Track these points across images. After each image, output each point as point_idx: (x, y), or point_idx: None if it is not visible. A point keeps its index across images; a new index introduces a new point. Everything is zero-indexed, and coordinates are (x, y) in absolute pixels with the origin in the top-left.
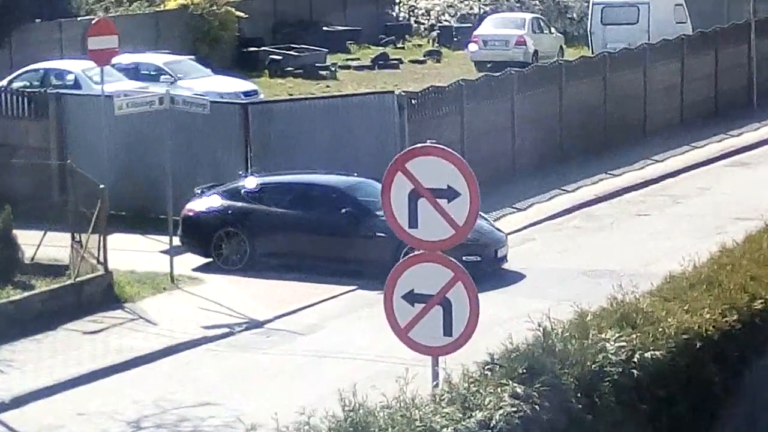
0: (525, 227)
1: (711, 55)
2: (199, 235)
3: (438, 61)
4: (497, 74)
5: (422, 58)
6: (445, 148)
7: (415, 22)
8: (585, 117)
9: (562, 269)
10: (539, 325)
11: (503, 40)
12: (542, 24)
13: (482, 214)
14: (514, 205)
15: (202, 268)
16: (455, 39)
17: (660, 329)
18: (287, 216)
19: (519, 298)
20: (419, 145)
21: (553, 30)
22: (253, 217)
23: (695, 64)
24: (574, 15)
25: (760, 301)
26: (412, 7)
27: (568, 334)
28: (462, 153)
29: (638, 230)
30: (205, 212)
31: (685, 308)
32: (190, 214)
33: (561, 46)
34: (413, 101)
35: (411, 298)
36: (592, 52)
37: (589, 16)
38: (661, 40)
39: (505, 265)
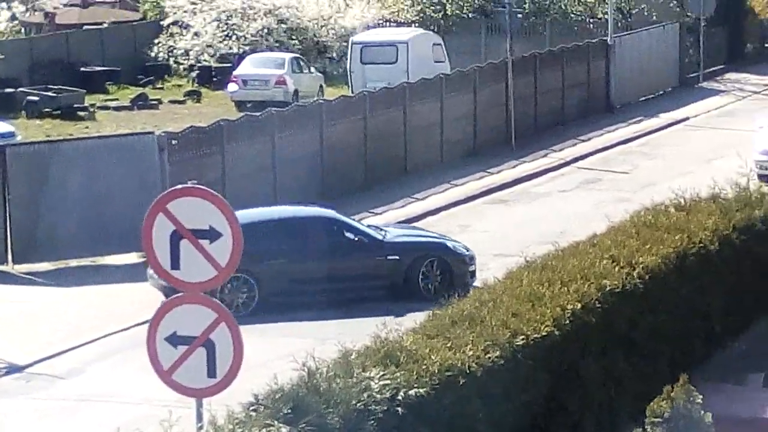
0: None
1: (470, 95)
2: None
3: (198, 101)
4: (258, 114)
5: (182, 98)
6: (207, 188)
7: (174, 62)
8: (346, 156)
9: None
10: (303, 365)
11: (263, 79)
12: (302, 63)
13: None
14: None
15: None
16: (215, 79)
17: (423, 367)
18: (293, 252)
19: (282, 338)
20: (180, 186)
21: (312, 69)
22: (257, 257)
23: (454, 103)
24: (334, 54)
25: (521, 337)
26: (171, 47)
27: (332, 373)
28: (223, 193)
29: None
30: None
31: (448, 345)
32: None
33: (321, 86)
34: (174, 142)
35: (174, 340)
36: (352, 92)
37: (349, 56)
38: (420, 80)
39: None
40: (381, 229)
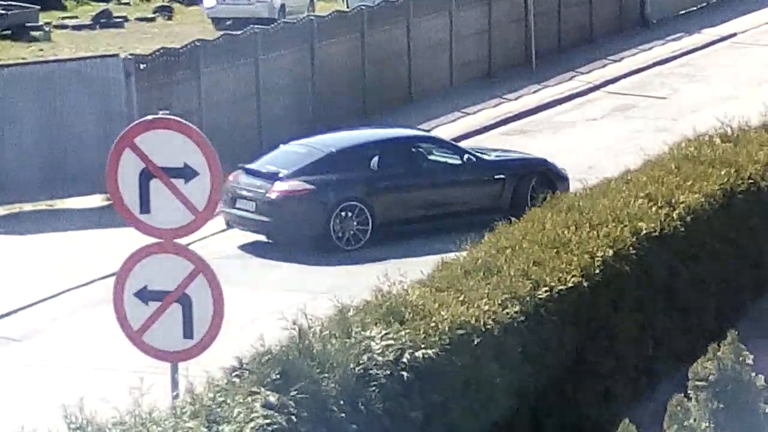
0: None
1: (484, 8)
2: (312, 217)
3: (169, 19)
4: (238, 33)
5: (151, 15)
6: (180, 119)
7: None
8: (341, 81)
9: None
10: (294, 323)
11: None
12: None
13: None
14: None
15: None
16: None
17: (432, 324)
18: (405, 177)
19: (269, 291)
20: (150, 117)
21: None
22: (371, 185)
23: (466, 18)
24: None
25: (544, 289)
26: None
27: (327, 332)
28: (200, 125)
29: None
30: (317, 190)
31: (461, 299)
32: (293, 193)
33: (311, 0)
34: (142, 66)
35: (145, 295)
36: (348, 6)
37: None
38: None
39: (247, 256)
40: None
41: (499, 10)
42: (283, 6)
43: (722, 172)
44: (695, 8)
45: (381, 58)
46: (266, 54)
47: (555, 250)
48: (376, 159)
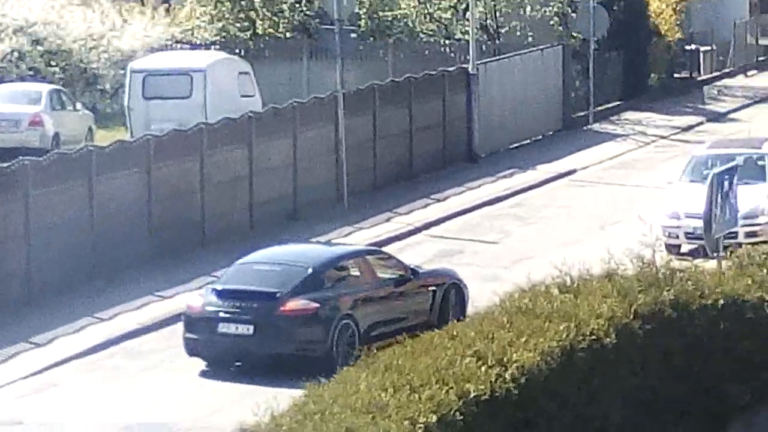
0: (46, 368)
1: (288, 139)
2: (319, 335)
3: None
4: (5, 165)
5: None
6: None
7: None
8: (125, 220)
9: (95, 425)
10: None
11: (12, 119)
12: (64, 98)
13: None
14: (30, 340)
15: None
16: None
17: None
18: (372, 290)
19: None
20: None
21: (79, 105)
22: (354, 298)
23: (268, 150)
24: (107, 86)
25: None
26: None
27: None
28: None
29: (195, 370)
30: (321, 308)
31: None
32: (303, 311)
33: (90, 127)
34: None
35: None
36: (132, 135)
37: (127, 88)
38: (222, 119)
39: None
40: None
41: (305, 141)
42: (57, 134)
43: (561, 327)
44: (529, 141)
45: (171, 195)
46: (37, 189)
47: (371, 416)
48: (355, 272)
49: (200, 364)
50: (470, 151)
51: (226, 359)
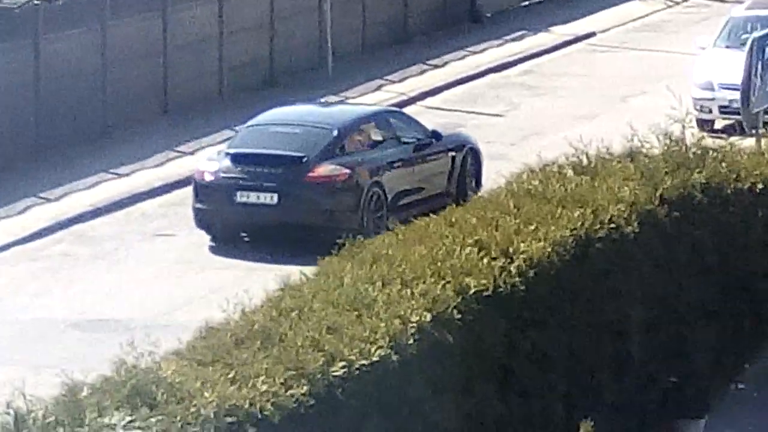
0: None
1: None
2: (349, 203)
3: None
4: None
5: None
6: None
7: None
8: (75, 88)
9: (41, 320)
10: (8, 406)
11: None
12: None
13: None
14: None
15: None
16: None
17: (192, 409)
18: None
19: None
20: None
21: None
22: (380, 164)
23: (240, 6)
24: None
25: (341, 364)
26: None
27: (53, 418)
28: None
29: (156, 259)
30: (351, 174)
31: (231, 376)
32: (334, 178)
33: None
34: None
35: None
36: None
37: None
38: None
39: None
40: None
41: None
42: None
43: (575, 214)
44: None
45: (129, 58)
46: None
47: (356, 313)
48: (377, 136)
49: (163, 253)
50: (474, 10)
51: (246, 231)
